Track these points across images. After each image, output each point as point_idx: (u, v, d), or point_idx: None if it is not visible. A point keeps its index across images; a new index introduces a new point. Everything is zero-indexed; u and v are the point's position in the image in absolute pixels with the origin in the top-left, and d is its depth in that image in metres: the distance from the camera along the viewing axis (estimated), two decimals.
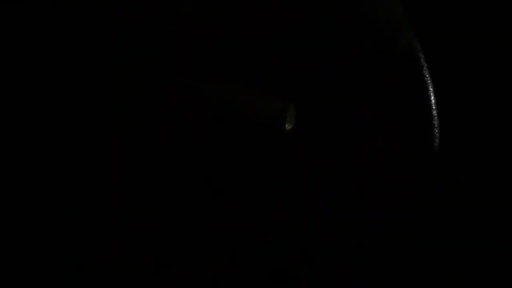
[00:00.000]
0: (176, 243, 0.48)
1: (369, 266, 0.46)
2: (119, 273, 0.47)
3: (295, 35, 0.49)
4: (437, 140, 0.40)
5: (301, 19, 0.50)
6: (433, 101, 0.41)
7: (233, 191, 0.48)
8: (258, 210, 0.48)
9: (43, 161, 0.49)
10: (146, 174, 0.49)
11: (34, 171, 0.48)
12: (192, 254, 0.48)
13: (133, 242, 0.48)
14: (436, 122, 0.40)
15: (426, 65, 0.41)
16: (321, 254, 0.47)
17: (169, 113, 0.49)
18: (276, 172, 0.48)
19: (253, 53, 0.52)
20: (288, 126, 0.45)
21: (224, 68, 0.53)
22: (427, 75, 0.41)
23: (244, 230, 0.49)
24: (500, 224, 0.50)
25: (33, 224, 0.47)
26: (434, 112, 0.41)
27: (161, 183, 0.49)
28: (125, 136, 0.50)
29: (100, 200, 0.48)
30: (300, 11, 0.51)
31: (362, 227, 0.46)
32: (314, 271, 0.47)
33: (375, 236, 0.46)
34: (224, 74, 0.52)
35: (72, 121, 0.51)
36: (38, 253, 0.47)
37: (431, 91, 0.41)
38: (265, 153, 0.48)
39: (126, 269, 0.47)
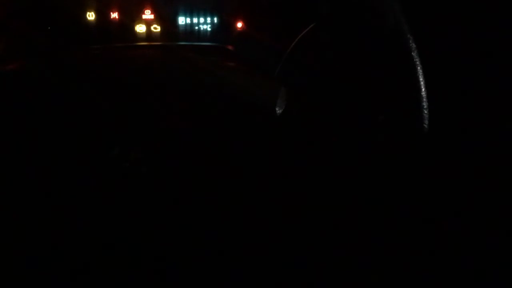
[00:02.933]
0: (176, 243, 0.48)
1: (369, 265, 0.46)
2: (119, 273, 0.47)
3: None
4: (427, 121, 0.40)
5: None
6: (422, 82, 0.40)
7: (229, 182, 0.48)
8: (255, 205, 0.48)
9: (41, 161, 0.49)
10: (144, 171, 0.49)
11: (33, 171, 0.49)
12: (191, 253, 0.48)
13: (133, 242, 0.48)
14: (425, 103, 0.40)
15: (414, 45, 0.40)
16: (321, 254, 0.47)
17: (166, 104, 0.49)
18: (272, 158, 0.48)
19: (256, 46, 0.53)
20: (279, 109, 0.46)
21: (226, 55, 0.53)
22: (416, 56, 0.41)
23: (242, 227, 0.49)
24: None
25: (33, 224, 0.48)
26: (423, 93, 0.40)
27: (160, 180, 0.49)
28: (122, 133, 0.51)
29: (100, 200, 0.48)
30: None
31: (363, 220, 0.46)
32: (313, 271, 0.47)
33: (374, 236, 0.46)
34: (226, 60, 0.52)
35: (71, 119, 0.51)
36: (38, 253, 0.47)
37: (420, 72, 0.40)
38: (259, 136, 0.47)
39: (126, 269, 0.47)
